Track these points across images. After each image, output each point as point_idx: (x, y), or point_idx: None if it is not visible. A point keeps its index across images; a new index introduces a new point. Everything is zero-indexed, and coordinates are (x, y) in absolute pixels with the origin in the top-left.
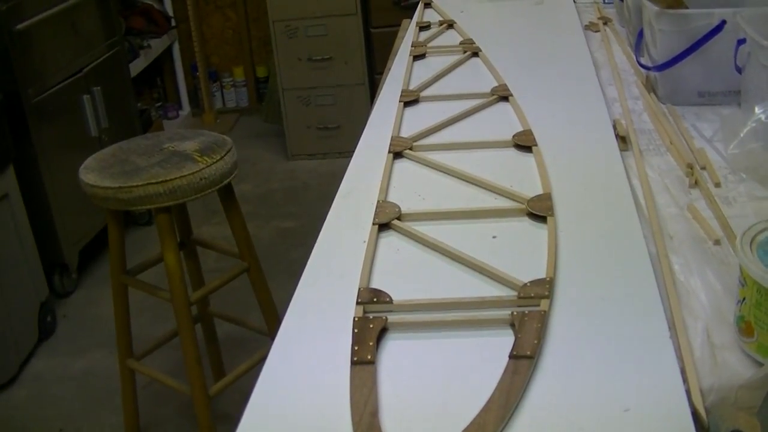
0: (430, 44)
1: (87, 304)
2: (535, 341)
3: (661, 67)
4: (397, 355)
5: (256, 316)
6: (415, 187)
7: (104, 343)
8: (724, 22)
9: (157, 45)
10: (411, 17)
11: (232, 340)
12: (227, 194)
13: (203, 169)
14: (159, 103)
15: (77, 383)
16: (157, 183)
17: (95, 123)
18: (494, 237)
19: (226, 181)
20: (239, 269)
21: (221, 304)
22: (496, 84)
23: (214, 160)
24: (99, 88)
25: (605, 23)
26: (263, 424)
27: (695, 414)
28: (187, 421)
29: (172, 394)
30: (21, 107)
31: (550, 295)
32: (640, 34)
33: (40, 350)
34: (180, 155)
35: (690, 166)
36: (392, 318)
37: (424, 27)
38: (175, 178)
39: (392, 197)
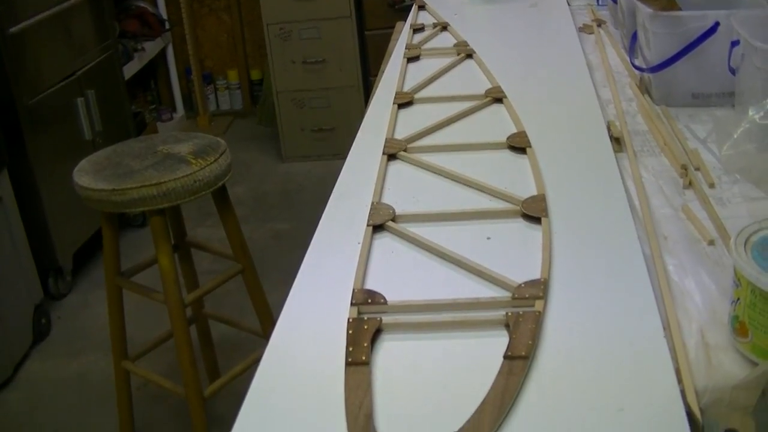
0: (424, 46)
1: (81, 306)
2: (530, 342)
3: (655, 69)
4: (391, 356)
5: (250, 318)
6: (409, 189)
7: (99, 345)
8: (717, 23)
9: (151, 48)
10: (405, 19)
11: (227, 342)
12: (221, 196)
13: (197, 171)
14: (153, 106)
15: (72, 385)
16: (151, 185)
17: (89, 126)
18: (488, 238)
19: (220, 184)
20: (234, 271)
21: (216, 305)
22: (490, 86)
23: (208, 163)
24: (93, 91)
25: (599, 25)
26: (258, 426)
27: (690, 414)
28: (181, 423)
29: (167, 395)
30: (15, 110)
31: (544, 296)
32: (634, 36)
33: (34, 353)
34: (174, 158)
35: (684, 167)
36: (387, 319)
37: (418, 29)
38: (169, 181)
39: (386, 199)
